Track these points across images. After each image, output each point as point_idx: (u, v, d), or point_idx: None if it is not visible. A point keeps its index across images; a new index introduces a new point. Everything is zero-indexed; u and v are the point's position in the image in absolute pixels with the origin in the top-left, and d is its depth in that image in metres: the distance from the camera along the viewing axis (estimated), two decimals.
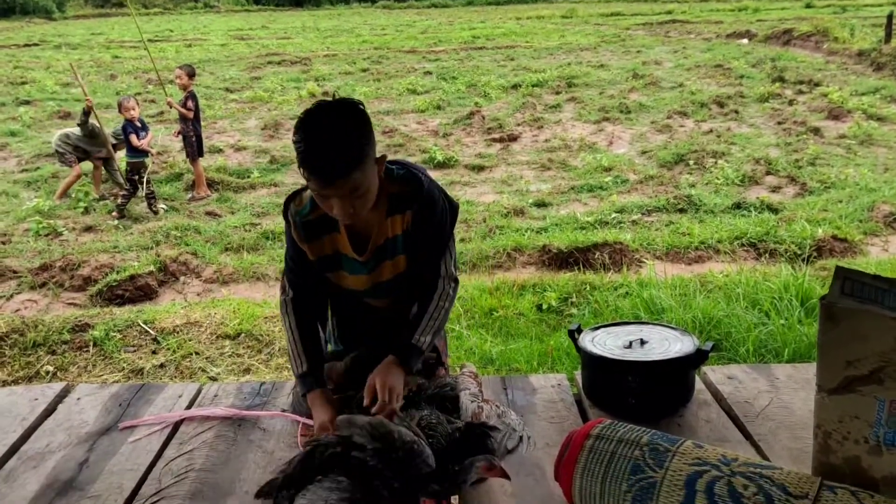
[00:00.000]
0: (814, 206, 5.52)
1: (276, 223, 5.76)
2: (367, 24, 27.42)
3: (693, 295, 3.59)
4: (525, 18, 27.76)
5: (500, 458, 1.56)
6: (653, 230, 5.21)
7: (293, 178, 7.52)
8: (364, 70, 14.97)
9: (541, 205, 6.13)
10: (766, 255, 4.64)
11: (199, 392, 1.97)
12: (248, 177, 7.54)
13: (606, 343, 1.87)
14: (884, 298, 1.31)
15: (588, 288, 3.98)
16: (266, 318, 3.84)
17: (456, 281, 1.88)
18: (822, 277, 3.93)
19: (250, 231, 5.75)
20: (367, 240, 1.83)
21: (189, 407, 1.89)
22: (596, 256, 4.60)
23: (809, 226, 4.93)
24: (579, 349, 1.88)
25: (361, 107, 1.65)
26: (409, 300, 1.91)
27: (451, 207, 1.86)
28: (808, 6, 24.54)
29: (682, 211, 5.71)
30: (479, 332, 3.59)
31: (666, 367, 1.75)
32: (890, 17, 13.26)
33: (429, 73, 14.20)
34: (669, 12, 26.40)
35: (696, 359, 1.78)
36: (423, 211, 1.79)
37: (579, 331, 1.94)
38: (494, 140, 8.77)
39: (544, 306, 3.89)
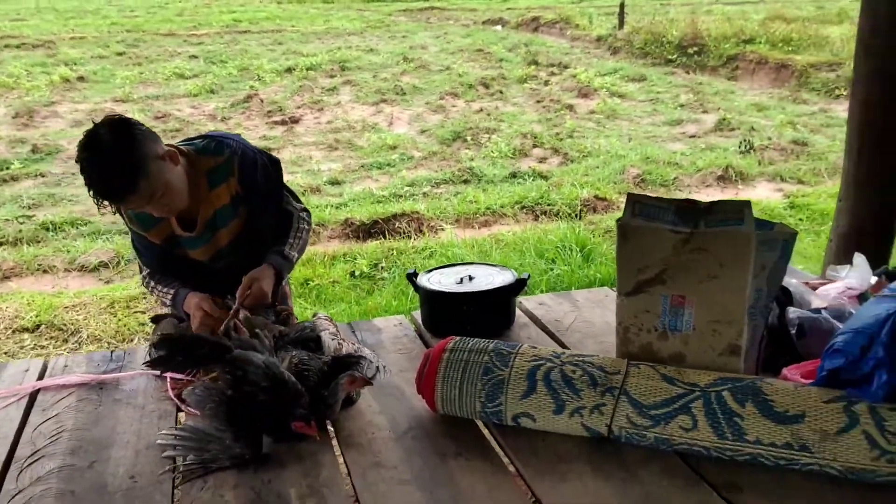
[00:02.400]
0: (577, 173, 6.26)
1: (55, 214, 5.42)
2: (112, 6, 25.41)
3: (490, 251, 4.02)
4: (286, 2, 27.34)
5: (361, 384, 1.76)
6: (443, 200, 5.62)
7: (61, 168, 7.00)
8: (120, 54, 14.02)
9: (334, 183, 6.32)
10: (544, 215, 5.24)
11: (45, 366, 1.95)
12: (8, 168, 6.90)
13: (441, 281, 2.13)
14: (664, 215, 1.68)
15: (395, 253, 4.27)
16: (67, 307, 3.65)
17: (306, 211, 2.07)
18: (592, 230, 4.57)
19: (25, 223, 5.32)
20: (195, 217, 1.94)
21: (40, 380, 1.87)
22: (397, 226, 4.90)
23: (575, 189, 5.62)
24: (418, 288, 2.12)
25: (127, 121, 1.72)
26: (251, 256, 2.05)
27: (272, 160, 2.03)
28: None
29: (466, 182, 6.19)
30: (297, 302, 3.72)
31: (494, 295, 2.05)
32: (622, 5, 14.99)
33: (194, 56, 13.65)
34: None
35: (517, 287, 2.10)
36: (244, 173, 1.93)
37: (415, 274, 2.19)
38: (276, 123, 8.76)
39: (357, 273, 4.11)
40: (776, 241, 1.62)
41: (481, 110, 9.19)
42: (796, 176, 6.31)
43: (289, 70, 12.00)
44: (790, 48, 11.33)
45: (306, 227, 2.05)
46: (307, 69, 11.94)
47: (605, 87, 10.16)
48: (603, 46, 14.09)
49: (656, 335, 1.69)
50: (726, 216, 1.62)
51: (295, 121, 8.88)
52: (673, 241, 1.63)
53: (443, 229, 4.92)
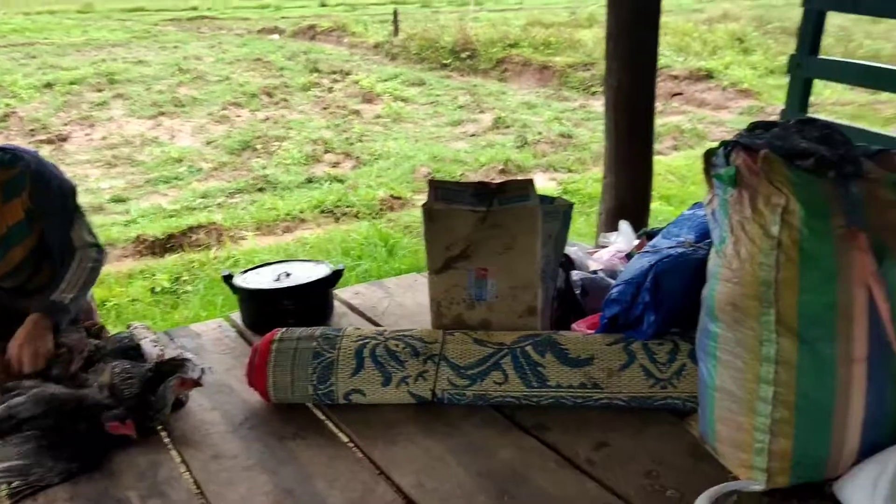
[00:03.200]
0: (370, 175, 6.45)
1: None
2: None
3: (296, 254, 4.07)
4: (35, 14, 24.97)
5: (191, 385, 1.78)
6: (240, 209, 5.55)
7: None
8: None
9: (119, 200, 5.98)
10: (344, 217, 5.37)
11: None
12: None
13: (259, 280, 2.18)
14: (463, 197, 1.86)
15: (197, 265, 4.17)
16: None
17: (97, 246, 1.99)
18: (392, 226, 4.78)
19: None
20: None
21: None
22: (195, 238, 4.78)
23: (371, 190, 5.81)
24: (236, 290, 2.15)
25: None
26: (45, 275, 1.98)
27: (68, 183, 1.97)
28: (323, 5, 26.37)
29: (261, 190, 6.15)
30: None
31: (313, 288, 2.14)
32: (395, 13, 15.47)
33: None
34: (195, 8, 26.24)
35: (334, 278, 2.21)
36: (36, 187, 1.88)
37: (231, 276, 2.21)
38: (41, 142, 8.05)
39: (157, 289, 3.97)
40: (557, 212, 1.87)
41: (267, 119, 9.11)
42: (566, 165, 6.98)
43: (48, 85, 11.04)
44: (550, 51, 12.35)
45: (91, 264, 1.95)
46: (70, 83, 11.07)
47: (388, 91, 10.48)
48: (381, 53, 14.43)
49: (465, 306, 1.88)
50: (514, 193, 1.84)
51: (63, 138, 8.23)
52: (473, 219, 1.82)
53: (244, 238, 4.87)
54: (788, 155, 1.41)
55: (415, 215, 5.39)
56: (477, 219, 1.82)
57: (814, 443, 1.40)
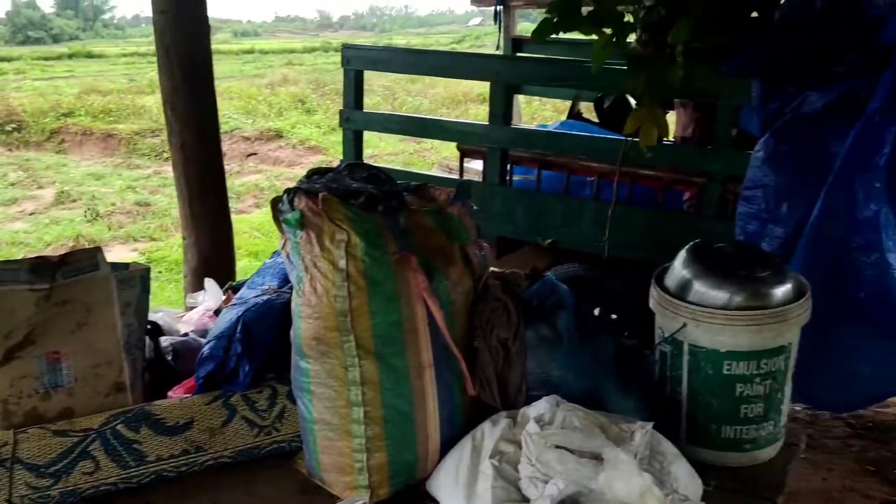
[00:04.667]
0: None
1: None
2: None
3: None
4: None
5: None
6: None
7: None
8: None
9: None
10: None
11: None
12: None
13: None
14: (18, 276, 1.66)
15: None
16: None
17: None
18: None
19: None
20: None
21: None
22: None
23: None
24: None
25: None
26: None
27: None
28: None
29: None
30: None
31: None
32: None
33: None
34: None
35: None
36: None
37: None
38: None
39: None
40: (133, 278, 1.78)
41: None
42: (147, 234, 6.69)
43: None
44: (111, 118, 11.73)
45: None
46: None
47: None
48: None
49: (39, 397, 1.67)
50: (80, 265, 1.71)
51: None
52: (34, 299, 1.64)
53: None
54: (343, 195, 1.56)
55: None
56: (39, 297, 1.64)
57: (404, 449, 1.55)
